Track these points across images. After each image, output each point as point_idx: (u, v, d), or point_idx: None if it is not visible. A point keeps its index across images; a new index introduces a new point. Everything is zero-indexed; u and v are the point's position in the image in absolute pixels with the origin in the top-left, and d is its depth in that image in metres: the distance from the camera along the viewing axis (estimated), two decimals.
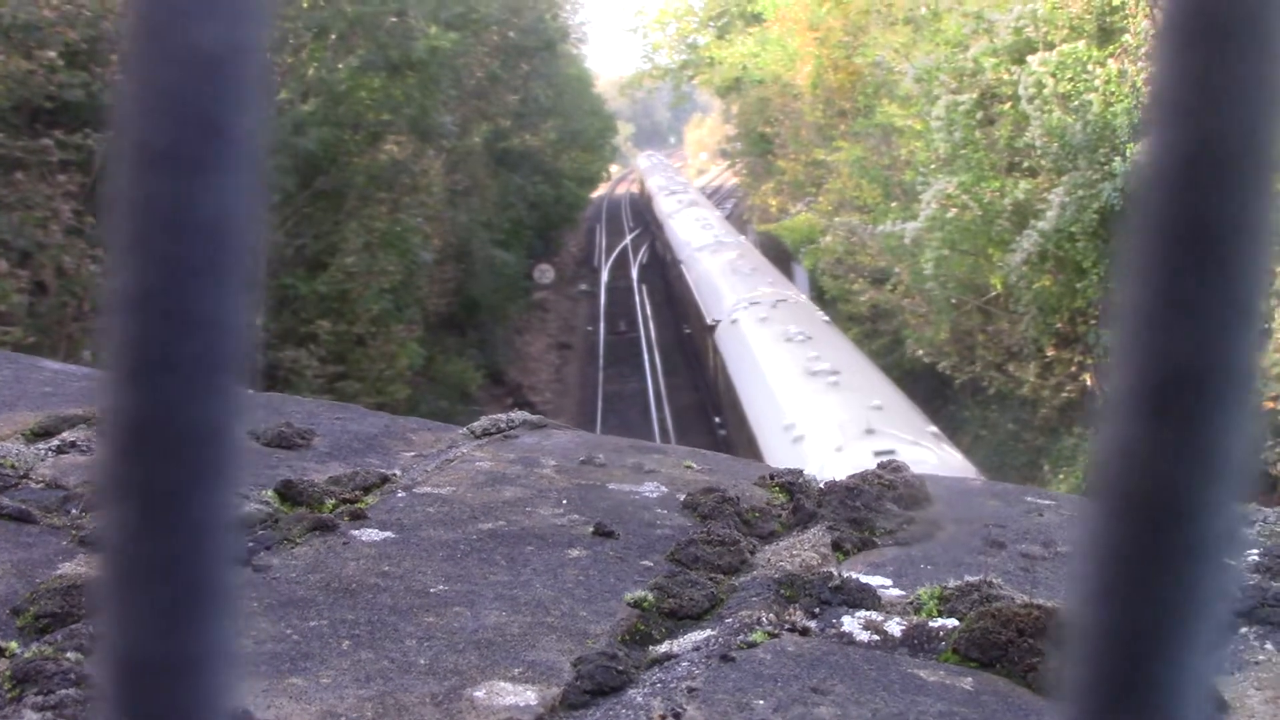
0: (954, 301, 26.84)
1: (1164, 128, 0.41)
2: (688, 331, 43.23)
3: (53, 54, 15.12)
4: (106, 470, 0.41)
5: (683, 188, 68.94)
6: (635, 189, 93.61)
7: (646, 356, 41.69)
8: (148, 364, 0.40)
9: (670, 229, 50.97)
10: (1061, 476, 21.25)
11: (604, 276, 57.06)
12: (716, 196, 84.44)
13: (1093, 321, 24.14)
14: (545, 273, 51.37)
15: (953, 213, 24.44)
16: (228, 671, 0.44)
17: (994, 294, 26.07)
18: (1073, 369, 24.87)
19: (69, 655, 1.59)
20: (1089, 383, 24.51)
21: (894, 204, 29.01)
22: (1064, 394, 24.81)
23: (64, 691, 1.49)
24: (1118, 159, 21.34)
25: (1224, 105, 0.40)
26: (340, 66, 24.02)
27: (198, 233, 0.40)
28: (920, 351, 28.11)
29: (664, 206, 58.29)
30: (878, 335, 32.19)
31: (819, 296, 37.04)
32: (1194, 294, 0.41)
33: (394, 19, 25.79)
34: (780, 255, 43.46)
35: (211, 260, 0.40)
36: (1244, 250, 0.41)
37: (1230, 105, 0.40)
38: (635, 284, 54.71)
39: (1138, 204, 0.41)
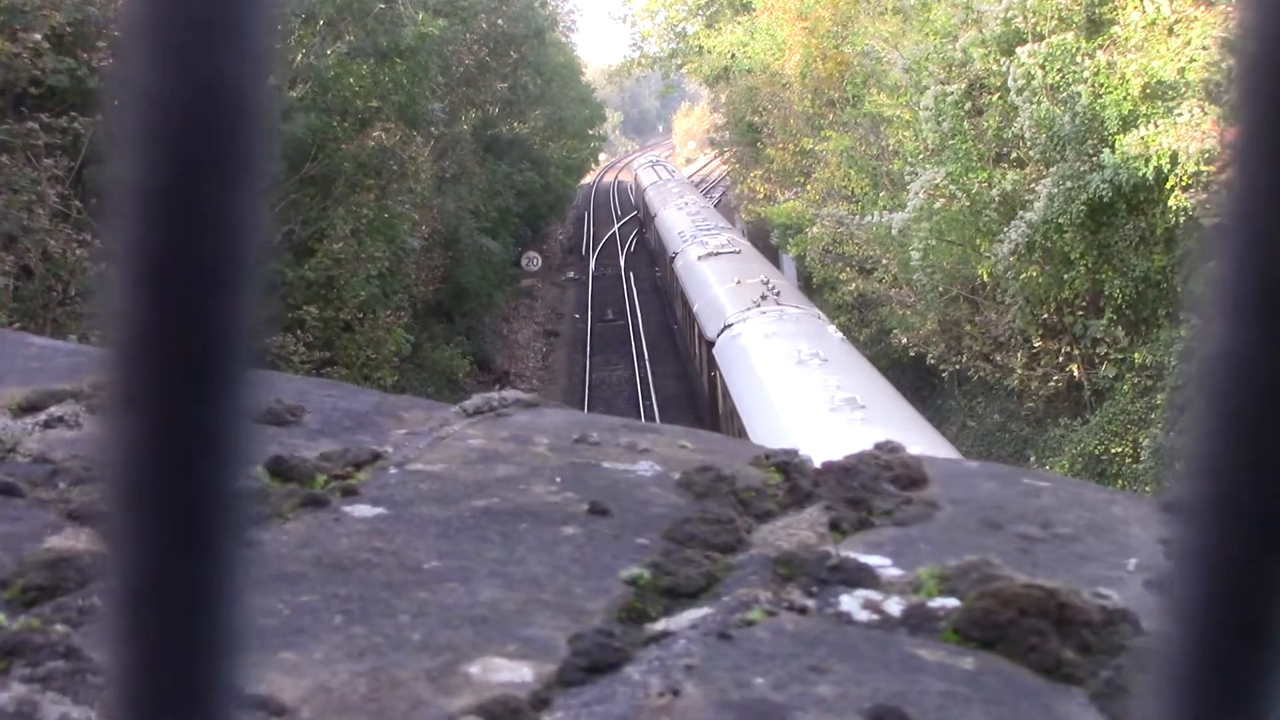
0: (941, 291, 26.88)
1: None
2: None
3: (38, 37, 15.05)
4: (115, 382, 0.39)
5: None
6: (633, 192, 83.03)
7: (634, 344, 41.69)
8: (159, 266, 0.37)
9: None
10: (1048, 467, 21.29)
11: (591, 264, 57.05)
12: (704, 185, 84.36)
13: (1080, 312, 24.18)
14: (533, 260, 51.35)
15: (940, 203, 24.49)
16: (237, 592, 0.41)
17: (981, 284, 26.12)
18: (1060, 360, 24.92)
19: (57, 628, 1.57)
20: (1076, 373, 24.55)
21: (882, 194, 29.06)
22: (1051, 384, 24.87)
23: (52, 664, 1.47)
24: (1106, 150, 21.35)
25: None
26: (328, 53, 23.96)
27: (212, 125, 0.37)
28: (907, 341, 28.14)
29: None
30: (865, 325, 32.24)
31: (806, 285, 37.09)
32: None
33: (382, 5, 25.73)
34: (768, 246, 43.46)
35: (226, 154, 0.37)
36: None
37: None
38: (623, 271, 54.72)
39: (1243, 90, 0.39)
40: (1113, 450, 21.54)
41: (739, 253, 36.65)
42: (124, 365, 0.39)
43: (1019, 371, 25.34)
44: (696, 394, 33.79)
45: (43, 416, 2.30)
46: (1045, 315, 24.74)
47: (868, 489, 2.08)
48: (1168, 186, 20.10)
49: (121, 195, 0.38)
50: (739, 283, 30.33)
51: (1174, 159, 19.50)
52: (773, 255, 41.92)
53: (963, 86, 24.53)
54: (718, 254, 35.75)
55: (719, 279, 32.02)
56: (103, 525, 0.40)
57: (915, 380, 29.95)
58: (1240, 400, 0.40)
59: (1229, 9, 0.38)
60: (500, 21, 43.13)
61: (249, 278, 0.38)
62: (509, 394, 2.54)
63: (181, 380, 0.39)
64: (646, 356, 39.97)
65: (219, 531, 0.40)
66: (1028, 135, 23.00)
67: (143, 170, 0.37)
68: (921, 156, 25.70)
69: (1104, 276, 22.89)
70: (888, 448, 2.26)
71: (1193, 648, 0.42)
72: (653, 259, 56.49)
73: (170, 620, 0.40)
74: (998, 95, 24.06)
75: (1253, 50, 0.38)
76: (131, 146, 0.38)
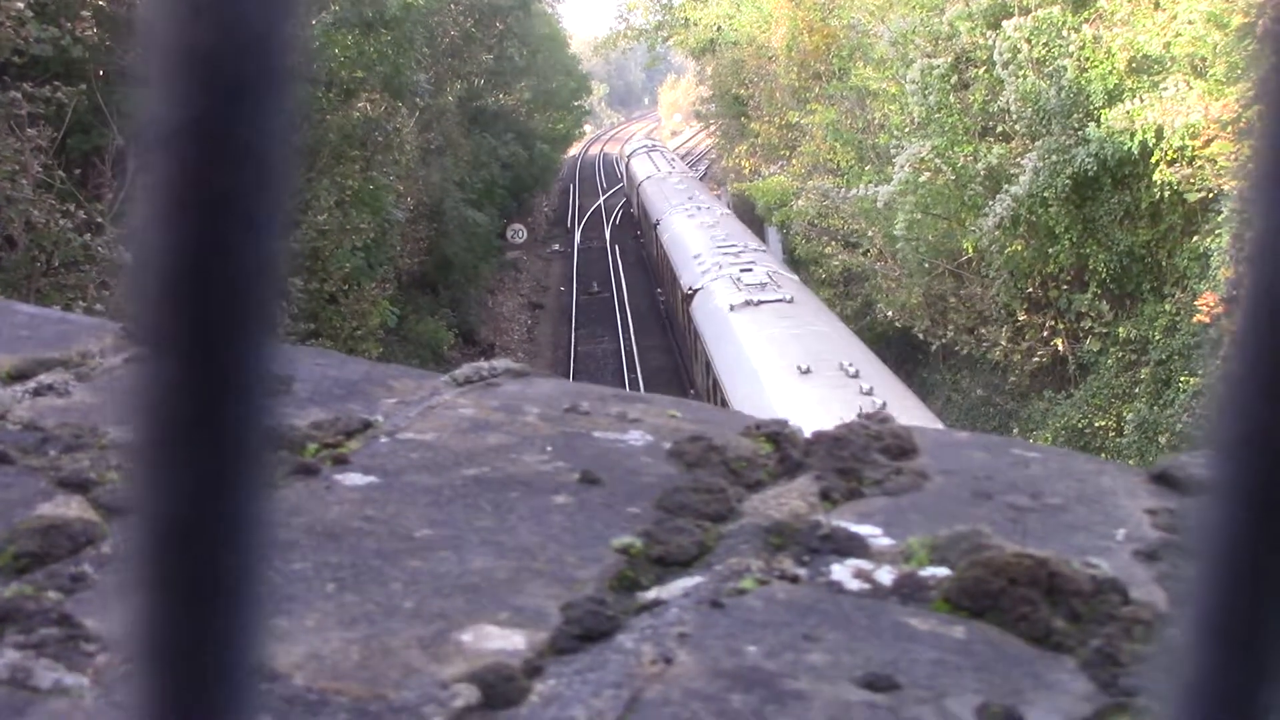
0: (926, 265, 26.90)
1: None
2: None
3: (21, 5, 14.94)
4: (143, 321, 0.39)
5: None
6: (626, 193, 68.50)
7: (619, 317, 41.67)
8: (190, 198, 0.37)
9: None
10: (1032, 440, 21.33)
11: (576, 237, 56.95)
12: (690, 158, 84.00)
13: (1064, 286, 24.22)
14: (518, 232, 51.24)
15: (926, 177, 24.50)
16: (263, 534, 0.41)
17: (966, 258, 26.14)
18: (1044, 334, 24.98)
19: (50, 594, 1.56)
20: (1060, 347, 24.61)
21: (867, 167, 29.05)
22: (1035, 358, 24.92)
23: (45, 630, 1.47)
24: (1091, 124, 21.37)
25: None
26: (313, 23, 23.83)
27: (241, 53, 0.37)
28: (891, 314, 28.17)
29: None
30: (850, 298, 32.25)
31: (791, 259, 37.06)
32: None
33: None
34: (753, 217, 43.39)
35: (255, 82, 0.37)
36: None
37: None
38: (608, 244, 54.65)
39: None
40: (1096, 424, 21.62)
41: (790, 301, 25.59)
42: (154, 303, 0.39)
43: (1003, 345, 25.40)
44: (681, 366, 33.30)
45: (32, 384, 2.29)
46: (1030, 289, 24.80)
47: (858, 459, 2.09)
48: (1153, 161, 20.14)
49: (151, 130, 0.37)
50: (807, 369, 20.49)
51: (1159, 133, 19.53)
52: (756, 228, 41.87)
53: (949, 60, 24.52)
54: (759, 303, 25.37)
55: (779, 354, 21.84)
56: (131, 465, 0.40)
57: (900, 354, 29.99)
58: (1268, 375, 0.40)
59: None
60: None
61: (278, 212, 0.38)
62: (499, 363, 2.54)
63: (211, 317, 0.38)
64: (632, 329, 39.95)
65: (249, 473, 0.40)
66: (1013, 109, 23.02)
67: (171, 104, 0.37)
68: (907, 130, 25.70)
69: (1088, 251, 22.93)
70: (878, 418, 2.26)
71: (1208, 628, 0.42)
72: (647, 267, 49.69)
73: (197, 565, 0.40)
74: (984, 69, 24.07)
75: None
76: (159, 81, 0.37)
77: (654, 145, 79.83)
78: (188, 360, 0.39)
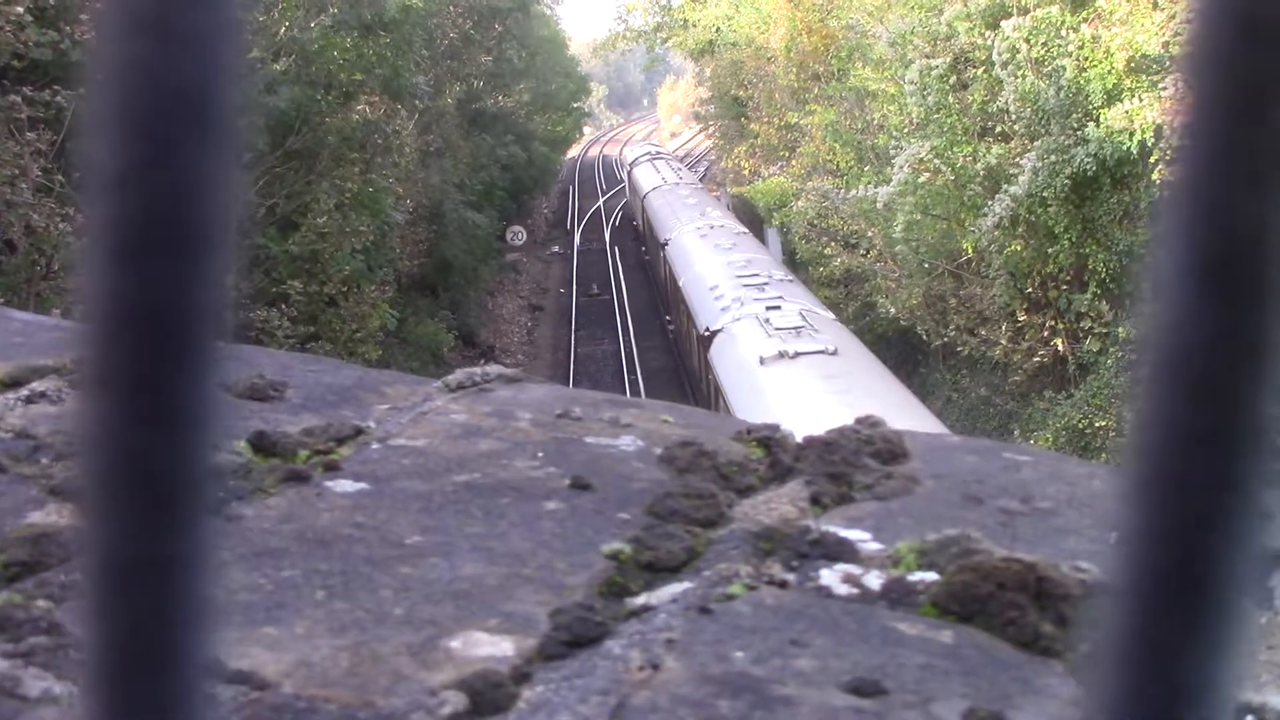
0: (926, 266, 26.90)
1: None
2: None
3: (21, 9, 14.94)
4: (90, 360, 0.39)
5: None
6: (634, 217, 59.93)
7: (619, 319, 41.66)
8: (132, 242, 0.38)
9: None
10: (1032, 441, 21.33)
11: (576, 239, 56.94)
12: (689, 159, 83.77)
13: (1064, 286, 24.21)
14: (518, 234, 51.22)
15: (925, 177, 24.47)
16: (209, 570, 0.42)
17: (966, 258, 26.13)
18: (1044, 334, 24.97)
19: (39, 603, 1.57)
20: (1060, 348, 24.60)
21: (867, 168, 29.02)
22: (1035, 358, 24.91)
23: (35, 639, 1.47)
24: (1090, 124, 21.36)
25: None
26: (312, 25, 23.85)
27: (182, 100, 0.37)
28: (894, 311, 28.15)
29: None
30: (850, 299, 32.24)
31: (791, 259, 37.04)
32: (1260, 162, 0.40)
33: None
34: (753, 218, 43.35)
35: (197, 129, 0.38)
36: None
37: None
38: (608, 246, 54.62)
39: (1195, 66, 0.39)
40: (1097, 424, 21.60)
41: (833, 353, 21.65)
42: (97, 341, 0.39)
43: (1003, 345, 25.39)
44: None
45: (25, 392, 2.30)
46: (1029, 289, 24.78)
47: (848, 464, 2.09)
48: (1152, 160, 20.11)
49: (95, 168, 0.38)
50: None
51: (1158, 133, 19.51)
52: (756, 228, 41.85)
53: (948, 60, 24.50)
54: (795, 355, 21.61)
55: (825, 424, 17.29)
56: (78, 501, 0.41)
57: (901, 354, 30.00)
58: (1182, 373, 0.41)
59: None
60: None
61: (223, 251, 0.39)
62: (491, 369, 2.55)
63: (154, 355, 0.39)
64: (632, 331, 39.95)
65: (191, 507, 0.41)
66: (1012, 109, 23.00)
67: (114, 143, 0.38)
68: (906, 130, 25.68)
69: (1088, 250, 22.93)
70: (869, 422, 2.26)
71: (1133, 620, 0.43)
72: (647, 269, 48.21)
73: (143, 594, 0.41)
74: (983, 69, 24.05)
75: (1207, 16, 0.38)
76: (104, 119, 0.38)
77: (658, 152, 72.35)
78: (128, 396, 0.39)
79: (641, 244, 53.15)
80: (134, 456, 0.40)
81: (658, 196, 47.15)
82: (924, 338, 27.68)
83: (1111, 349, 22.85)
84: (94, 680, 0.42)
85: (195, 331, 0.39)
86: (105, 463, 0.40)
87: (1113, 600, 0.43)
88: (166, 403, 0.40)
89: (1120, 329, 22.44)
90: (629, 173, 64.63)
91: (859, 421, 2.26)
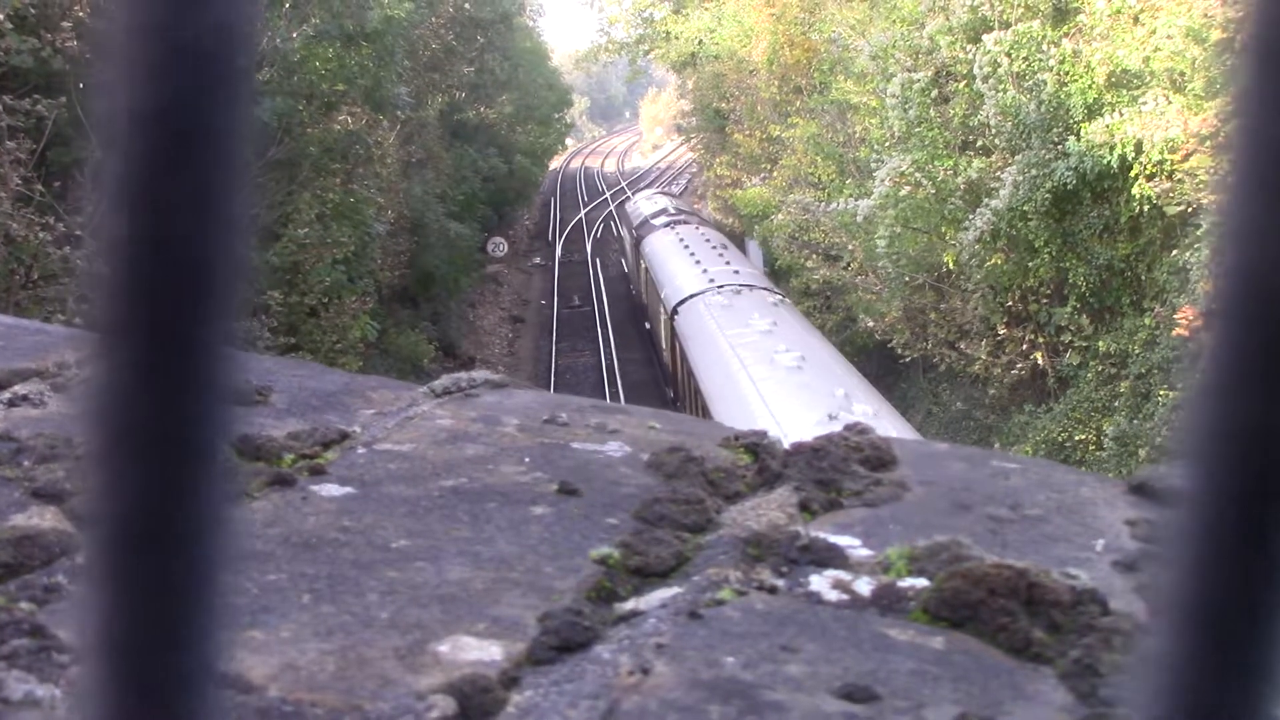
0: (906, 279, 26.92)
1: None
2: None
3: (0, 17, 14.89)
4: (104, 310, 0.38)
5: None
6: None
7: (600, 330, 41.65)
8: (150, 190, 0.37)
9: None
10: (1012, 454, 21.33)
11: (558, 250, 56.95)
12: (671, 172, 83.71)
13: (1044, 300, 24.26)
14: (499, 246, 51.20)
15: (906, 190, 24.51)
16: (222, 540, 0.41)
17: (946, 272, 26.17)
18: (1024, 347, 25.00)
19: (22, 605, 1.55)
20: (1040, 361, 24.65)
21: (848, 181, 29.07)
22: (1015, 372, 24.95)
23: (18, 641, 1.46)
24: (1071, 138, 21.42)
25: None
26: (294, 36, 23.80)
27: (201, 49, 0.36)
28: (872, 325, 28.18)
29: None
30: (830, 311, 32.26)
31: (773, 271, 37.07)
32: None
33: None
34: (734, 231, 43.36)
35: (216, 76, 0.37)
36: None
37: None
38: (589, 258, 54.63)
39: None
40: (1076, 437, 21.65)
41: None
42: (112, 295, 0.38)
43: (983, 359, 25.43)
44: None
45: (7, 395, 2.28)
46: (1010, 303, 24.82)
47: (837, 470, 2.08)
48: (1132, 174, 20.19)
49: (112, 122, 0.37)
50: None
51: (1138, 147, 19.59)
52: (737, 240, 41.87)
53: (929, 74, 24.57)
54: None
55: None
56: (86, 466, 0.39)
57: (880, 367, 30.03)
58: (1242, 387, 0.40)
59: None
60: (467, 5, 43.05)
61: (238, 203, 0.38)
62: (478, 374, 2.53)
63: (169, 310, 0.38)
64: (613, 342, 39.94)
65: (204, 467, 0.40)
66: (993, 123, 23.06)
67: (132, 95, 0.37)
68: (888, 144, 25.73)
69: (1068, 264, 22.98)
70: (857, 429, 2.26)
71: (1184, 636, 0.42)
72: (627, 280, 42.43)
73: (153, 562, 0.40)
74: (964, 83, 24.10)
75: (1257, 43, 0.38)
76: (120, 73, 0.37)
77: (680, 213, 44.98)
78: (144, 355, 0.38)
79: (635, 303, 43.76)
80: (149, 411, 0.39)
81: (661, 244, 36.28)
82: (899, 351, 27.70)
83: (1091, 362, 22.90)
84: (100, 658, 0.41)
85: (208, 286, 0.38)
86: (118, 419, 0.39)
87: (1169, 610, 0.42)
88: (179, 360, 0.38)
89: (1100, 343, 22.50)
90: (635, 245, 42.75)
91: (848, 429, 2.26)
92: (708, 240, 36.86)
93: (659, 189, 59.90)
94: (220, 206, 0.37)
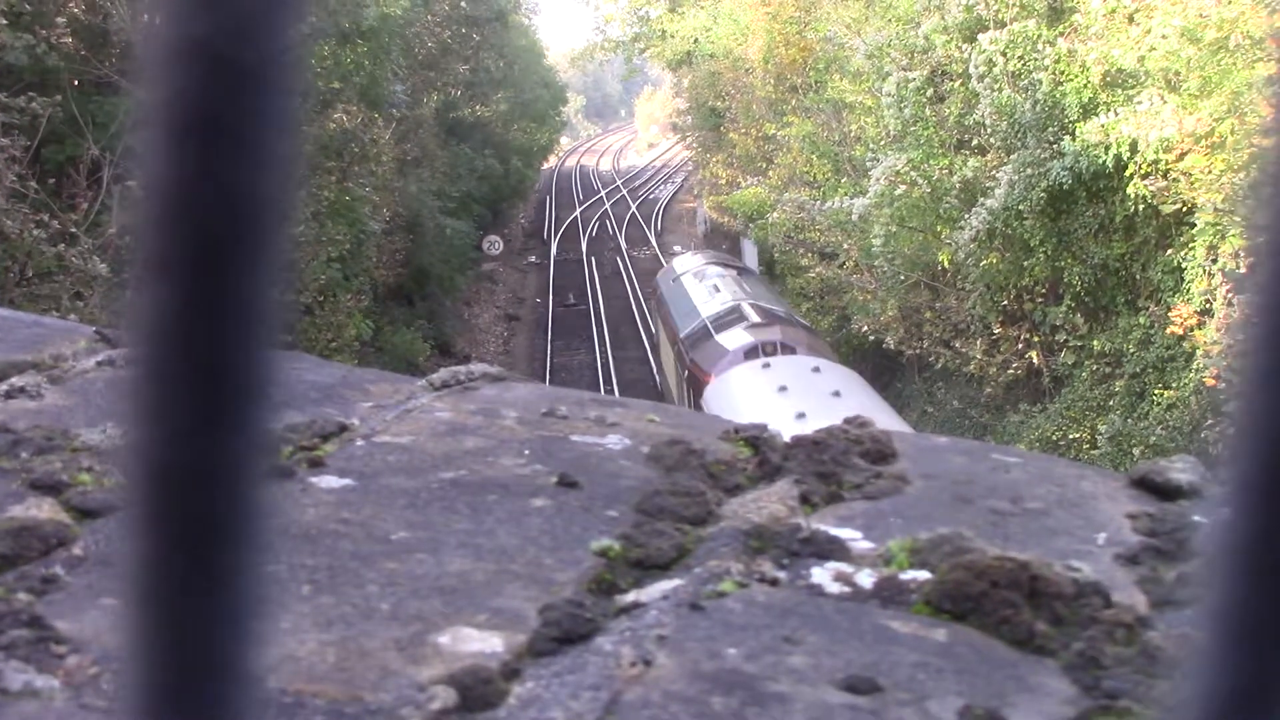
0: (902, 278, 26.93)
1: None
2: None
3: None
4: (144, 249, 0.37)
5: None
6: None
7: (595, 328, 41.63)
8: (191, 122, 0.36)
9: None
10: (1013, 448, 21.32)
11: (553, 249, 56.89)
12: (666, 170, 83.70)
13: (1039, 299, 24.28)
14: (495, 244, 51.15)
15: (902, 189, 24.51)
16: (260, 474, 0.40)
17: (942, 271, 26.18)
18: (1019, 346, 25.02)
19: (20, 596, 1.54)
20: (1035, 360, 24.66)
21: (844, 180, 29.07)
22: (1010, 371, 24.97)
23: (15, 632, 1.45)
24: (1066, 138, 21.43)
25: None
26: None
27: None
28: (867, 327, 28.19)
29: None
30: (826, 311, 32.27)
31: (769, 270, 37.05)
32: None
33: None
34: (729, 231, 43.34)
35: (262, 8, 0.36)
36: None
37: None
38: (584, 256, 54.60)
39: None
40: (1071, 436, 21.67)
41: None
42: (155, 230, 0.37)
43: (979, 358, 25.44)
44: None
45: (4, 387, 2.27)
46: (1005, 302, 24.84)
47: (838, 463, 2.08)
48: (1127, 174, 20.21)
49: (159, 53, 0.36)
50: None
51: (1134, 146, 19.60)
52: (733, 240, 41.85)
53: (925, 73, 24.58)
54: None
55: None
56: (127, 406, 0.39)
57: (876, 366, 30.03)
58: None
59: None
60: (463, 3, 43.05)
61: (283, 138, 0.37)
62: (476, 367, 2.53)
63: (212, 244, 0.37)
64: (608, 341, 39.90)
65: (246, 401, 0.39)
66: (989, 122, 23.06)
67: (179, 26, 0.36)
68: (883, 143, 25.74)
69: (1063, 264, 23.00)
70: (857, 423, 2.25)
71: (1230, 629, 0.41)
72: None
73: (193, 504, 0.39)
74: (959, 82, 24.12)
75: None
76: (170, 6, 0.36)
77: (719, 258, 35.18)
78: (187, 287, 0.37)
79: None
80: (191, 345, 0.38)
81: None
82: (895, 349, 27.70)
83: (1086, 362, 22.92)
84: (135, 603, 0.40)
85: (252, 220, 0.37)
86: (160, 354, 0.38)
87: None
88: (225, 292, 0.38)
89: (1095, 342, 22.52)
90: (658, 288, 33.68)
91: (848, 422, 2.25)
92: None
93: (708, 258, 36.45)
94: (269, 141, 0.37)
